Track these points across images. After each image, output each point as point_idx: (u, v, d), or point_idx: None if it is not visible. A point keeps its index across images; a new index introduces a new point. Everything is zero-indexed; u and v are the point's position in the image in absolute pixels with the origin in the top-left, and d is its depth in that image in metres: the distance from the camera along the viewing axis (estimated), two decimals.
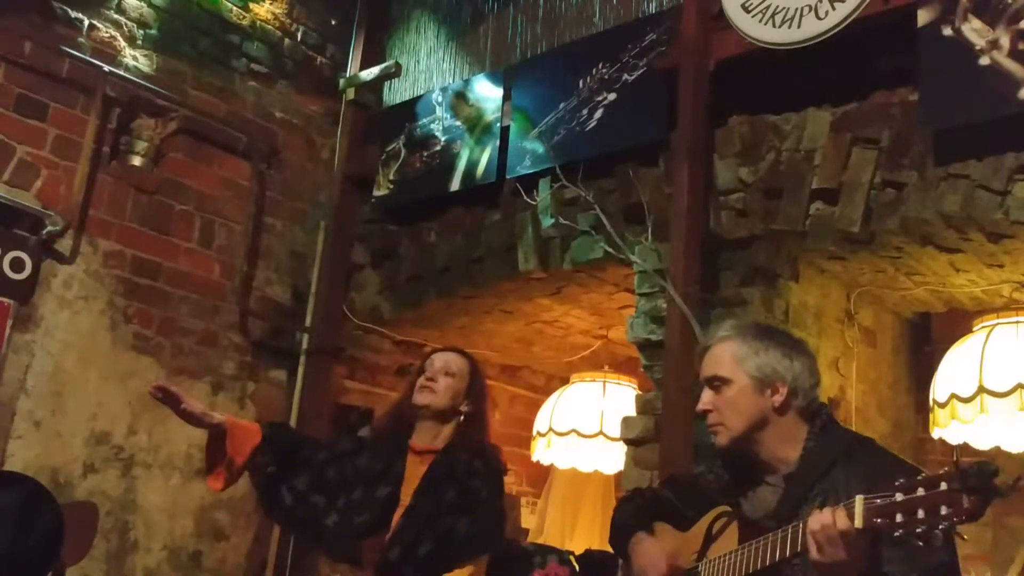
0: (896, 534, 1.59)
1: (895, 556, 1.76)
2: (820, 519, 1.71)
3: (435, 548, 2.69)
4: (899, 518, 1.58)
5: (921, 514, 1.55)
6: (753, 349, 2.11)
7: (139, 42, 4.42)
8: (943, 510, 1.54)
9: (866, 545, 1.69)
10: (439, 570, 2.67)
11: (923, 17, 3.10)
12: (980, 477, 1.52)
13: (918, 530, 1.56)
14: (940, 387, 3.62)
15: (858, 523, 1.65)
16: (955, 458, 1.57)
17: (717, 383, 2.12)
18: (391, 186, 4.74)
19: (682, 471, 2.53)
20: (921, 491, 1.57)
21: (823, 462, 1.99)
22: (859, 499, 1.66)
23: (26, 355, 3.95)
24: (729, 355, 2.12)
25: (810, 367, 2.12)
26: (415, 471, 2.84)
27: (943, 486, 1.55)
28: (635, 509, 2.39)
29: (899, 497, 1.59)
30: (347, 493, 2.84)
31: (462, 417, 2.89)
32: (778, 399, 2.07)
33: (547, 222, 4.07)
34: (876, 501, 1.63)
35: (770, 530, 1.88)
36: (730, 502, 2.11)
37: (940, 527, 1.55)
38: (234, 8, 4.79)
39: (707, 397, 2.14)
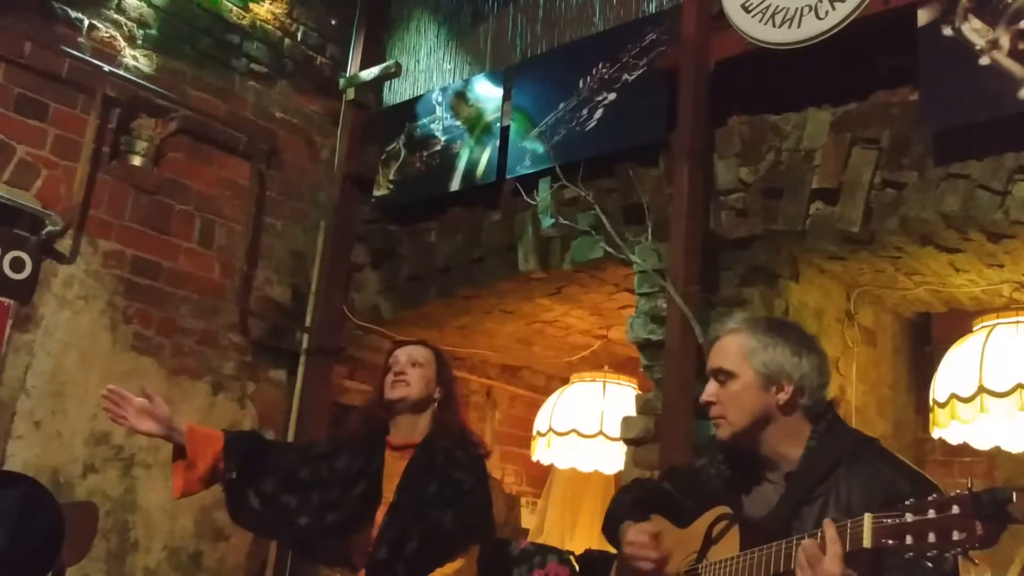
0: (907, 556, 1.56)
1: (893, 570, 1.74)
2: (806, 548, 1.70)
3: (422, 544, 2.68)
4: (909, 540, 1.55)
5: (932, 538, 1.53)
6: (762, 344, 2.08)
7: (139, 42, 4.42)
8: (955, 535, 1.50)
9: (865, 566, 1.67)
10: (429, 566, 2.66)
11: (923, 17, 3.10)
12: (993, 504, 1.49)
13: (929, 553, 1.53)
14: (940, 387, 3.62)
15: (867, 542, 1.61)
16: (969, 483, 1.54)
17: (723, 376, 2.10)
18: (391, 186, 4.74)
19: (684, 465, 2.51)
20: (932, 513, 1.54)
21: (825, 463, 1.97)
22: (867, 517, 1.63)
23: (26, 355, 3.95)
24: (737, 348, 2.10)
25: (819, 366, 2.09)
26: (395, 467, 2.83)
27: (955, 509, 1.51)
28: (632, 500, 2.36)
29: (909, 518, 1.56)
30: (322, 493, 2.83)
31: (435, 405, 2.91)
32: (783, 397, 2.05)
33: (547, 222, 4.07)
34: (886, 520, 1.60)
35: (772, 534, 1.86)
36: (731, 502, 2.10)
37: (952, 552, 1.52)
38: (234, 8, 4.79)
39: (712, 389, 2.12)
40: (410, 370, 2.92)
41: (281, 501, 2.83)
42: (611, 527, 2.33)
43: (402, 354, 2.98)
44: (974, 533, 1.49)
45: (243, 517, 2.91)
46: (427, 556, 2.68)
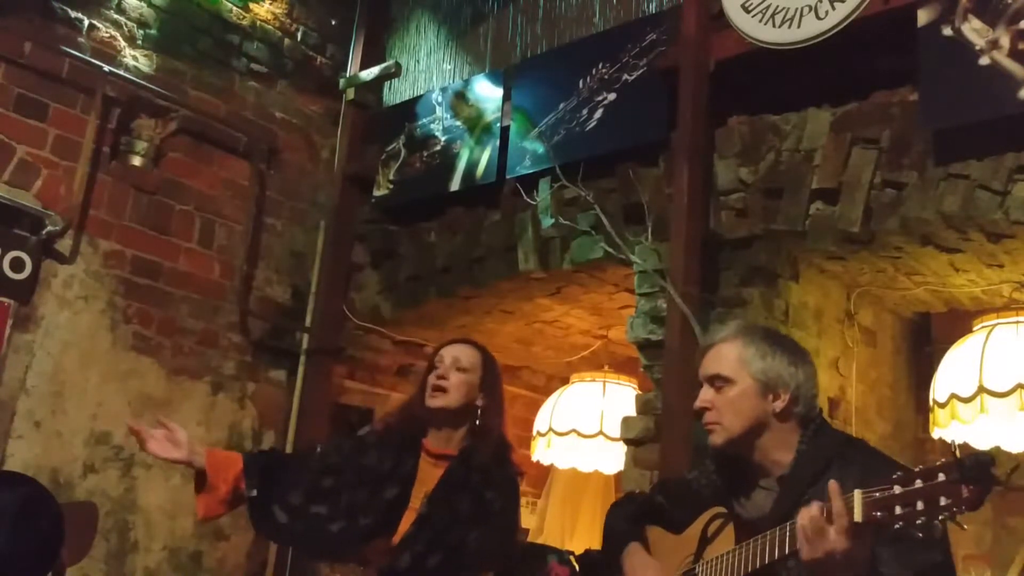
0: (896, 526, 1.59)
1: (888, 556, 1.76)
2: (807, 512, 1.72)
3: (444, 560, 2.62)
4: (898, 510, 1.58)
5: (920, 505, 1.56)
6: (760, 353, 2.10)
7: (139, 42, 4.42)
8: (942, 500, 1.54)
9: (864, 540, 1.69)
10: None
11: (923, 17, 3.10)
12: (978, 467, 1.53)
13: (918, 522, 1.56)
14: (940, 387, 3.62)
15: (857, 516, 1.64)
16: (953, 449, 1.58)
17: (719, 382, 2.11)
18: (391, 186, 4.74)
19: (674, 476, 2.52)
20: (919, 483, 1.57)
21: (816, 464, 1.99)
22: (857, 493, 1.65)
23: (26, 355, 3.95)
24: (735, 356, 2.11)
25: (813, 377, 2.13)
26: (430, 474, 2.76)
27: (941, 477, 1.55)
28: (627, 515, 2.38)
29: (897, 489, 1.59)
30: (350, 494, 2.76)
31: (478, 412, 2.79)
32: (779, 405, 2.07)
33: (547, 222, 4.07)
34: (874, 494, 1.63)
35: (767, 530, 1.88)
36: (725, 505, 2.11)
37: (940, 518, 1.55)
38: (234, 8, 4.79)
39: (707, 395, 2.13)
40: (452, 375, 2.79)
41: (311, 512, 2.76)
42: (611, 545, 2.34)
43: (447, 355, 2.84)
44: (960, 497, 1.53)
45: (270, 531, 2.86)
46: (446, 573, 2.62)
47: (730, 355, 2.12)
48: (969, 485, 1.52)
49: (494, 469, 2.75)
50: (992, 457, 1.55)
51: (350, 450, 2.90)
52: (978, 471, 1.52)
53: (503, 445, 2.83)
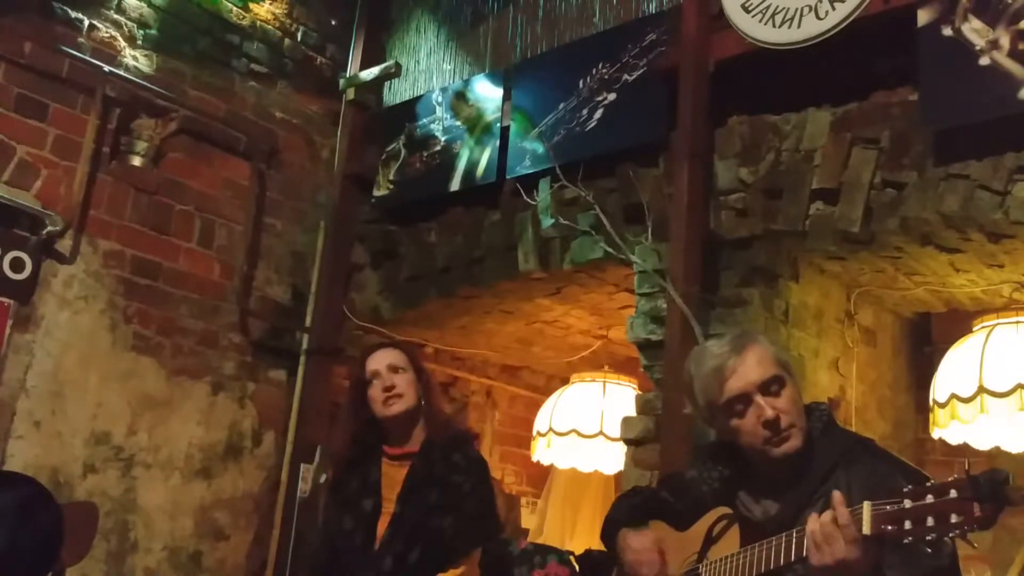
0: (905, 541, 1.57)
1: (894, 560, 1.74)
2: (816, 519, 1.70)
3: (425, 553, 2.67)
4: (908, 525, 1.56)
5: (931, 522, 1.53)
6: (776, 348, 2.08)
7: (139, 42, 4.42)
8: (953, 518, 1.51)
9: (873, 551, 1.67)
10: (432, 572, 2.65)
11: (923, 17, 3.10)
12: (991, 485, 1.50)
13: (928, 537, 1.54)
14: (940, 387, 3.62)
15: (866, 529, 1.62)
16: (967, 466, 1.55)
17: (776, 385, 2.02)
18: (391, 186, 4.74)
19: (678, 473, 2.51)
20: (930, 498, 1.55)
21: (824, 465, 1.97)
22: (867, 505, 1.63)
23: (26, 355, 3.95)
24: (770, 356, 2.05)
25: None
26: (394, 476, 2.82)
27: (953, 494, 1.52)
28: (630, 507, 2.36)
29: (908, 504, 1.57)
30: (344, 530, 2.81)
31: (422, 402, 2.87)
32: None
33: (547, 222, 4.07)
34: (885, 507, 1.61)
35: (772, 534, 1.86)
36: (728, 506, 2.09)
37: (950, 535, 1.53)
38: (234, 8, 4.78)
39: (773, 403, 1.99)
40: (396, 379, 2.85)
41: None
42: (609, 534, 2.33)
43: (380, 364, 2.88)
44: (972, 515, 1.50)
45: None
46: (429, 564, 2.67)
47: (767, 357, 2.04)
48: (982, 504, 1.49)
49: (456, 454, 2.81)
50: (1007, 475, 1.51)
51: (333, 509, 2.94)
52: (991, 489, 1.49)
53: (458, 431, 2.92)
